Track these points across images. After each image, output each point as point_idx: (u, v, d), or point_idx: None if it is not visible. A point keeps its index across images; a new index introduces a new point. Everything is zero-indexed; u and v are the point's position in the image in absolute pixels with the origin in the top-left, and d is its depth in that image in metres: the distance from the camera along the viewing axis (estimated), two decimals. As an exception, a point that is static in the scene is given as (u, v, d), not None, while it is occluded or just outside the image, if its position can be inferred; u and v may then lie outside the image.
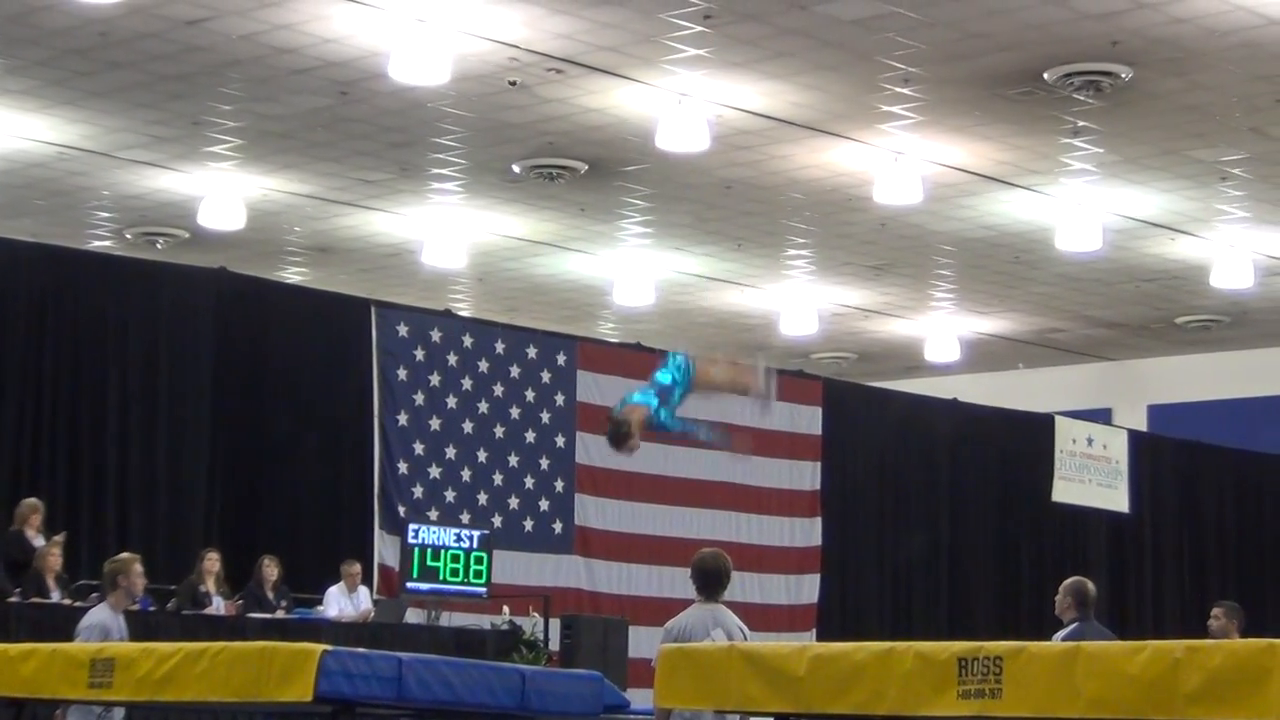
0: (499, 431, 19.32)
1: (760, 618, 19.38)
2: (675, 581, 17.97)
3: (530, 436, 19.57)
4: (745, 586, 19.83)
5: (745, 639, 9.28)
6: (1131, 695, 6.11)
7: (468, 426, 19.06)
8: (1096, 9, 15.27)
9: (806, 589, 21.78)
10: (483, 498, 19.07)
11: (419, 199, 21.35)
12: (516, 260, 23.98)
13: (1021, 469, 24.31)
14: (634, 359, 20.84)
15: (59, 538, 15.07)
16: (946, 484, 23.66)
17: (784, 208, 21.27)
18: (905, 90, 17.18)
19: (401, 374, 18.61)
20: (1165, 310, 25.75)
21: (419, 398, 18.69)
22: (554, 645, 17.46)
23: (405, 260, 23.67)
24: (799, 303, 25.72)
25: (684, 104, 17.39)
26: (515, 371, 19.55)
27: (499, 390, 19.38)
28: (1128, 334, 27.31)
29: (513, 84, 17.28)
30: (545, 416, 19.71)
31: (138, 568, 11.04)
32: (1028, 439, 24.38)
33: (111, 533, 16.47)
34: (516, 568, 18.98)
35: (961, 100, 17.44)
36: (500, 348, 19.55)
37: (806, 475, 21.93)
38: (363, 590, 17.19)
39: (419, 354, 18.78)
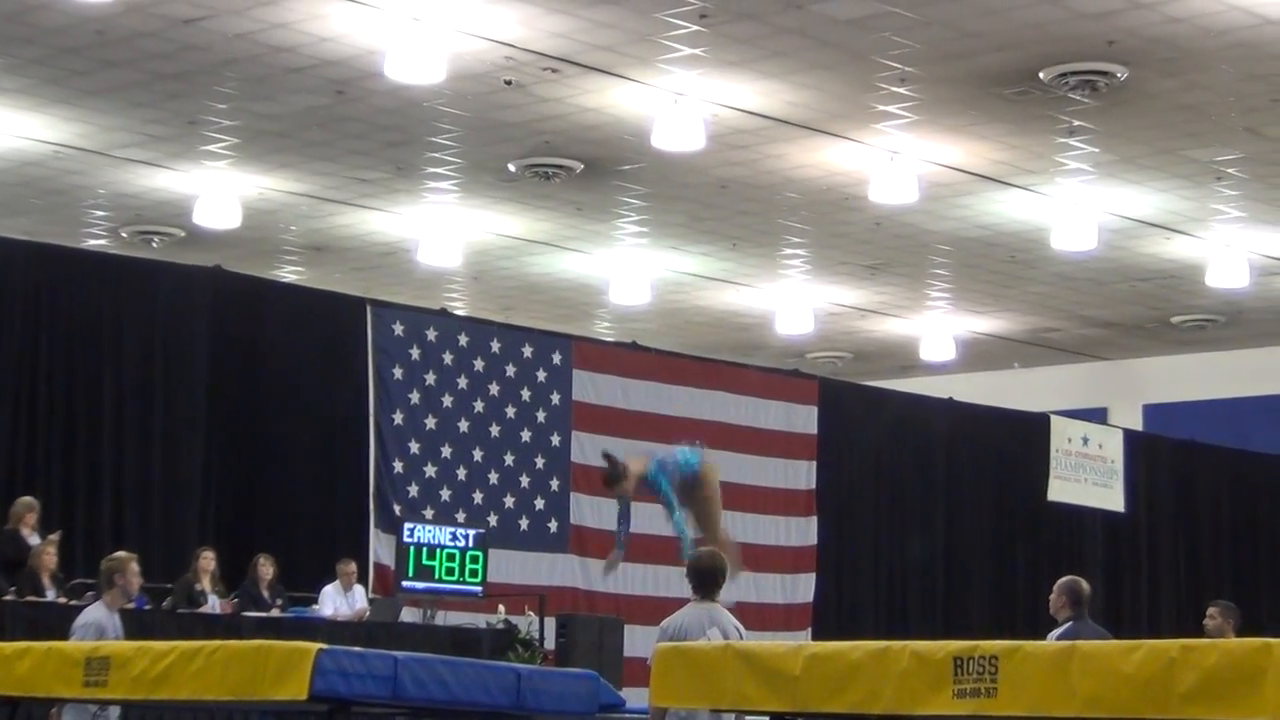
0: (494, 430, 19.31)
1: (756, 617, 19.35)
2: (671, 581, 17.94)
3: (526, 435, 19.55)
4: (741, 585, 19.77)
5: (741, 638, 9.28)
6: (1127, 694, 6.11)
7: (463, 425, 19.05)
8: (1092, 8, 15.27)
9: (802, 588, 21.77)
10: (478, 496, 19.06)
11: (414, 198, 21.35)
12: (512, 259, 23.98)
13: (1017, 468, 24.31)
14: (630, 358, 20.89)
15: (54, 536, 15.07)
16: (942, 483, 23.66)
17: (780, 207, 21.27)
18: (901, 90, 17.18)
19: (397, 373, 18.60)
20: (1161, 310, 25.77)
21: (414, 396, 18.68)
22: (549, 644, 17.45)
23: (401, 259, 23.66)
24: (795, 302, 25.72)
25: (680, 103, 17.39)
26: (511, 370, 19.54)
27: (494, 389, 19.36)
28: (1123, 333, 27.32)
29: (508, 83, 17.27)
30: (541, 415, 19.70)
31: (134, 566, 11.03)
32: (1023, 438, 24.38)
33: (107, 531, 16.47)
34: (512, 567, 18.97)
35: (957, 100, 17.45)
36: (496, 347, 19.54)
37: (802, 474, 21.91)
38: (358, 589, 17.18)
39: (414, 353, 18.77)
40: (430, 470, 18.72)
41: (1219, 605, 13.33)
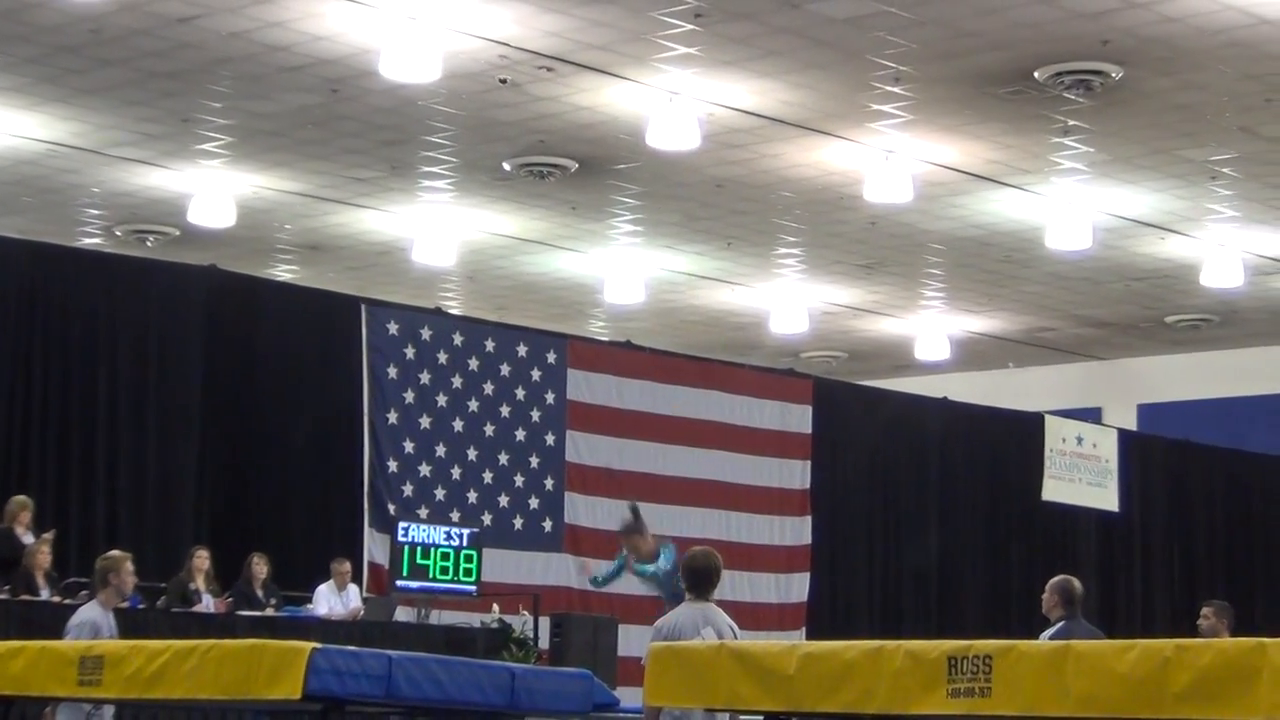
0: (489, 430, 19.30)
1: (750, 616, 19.38)
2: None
3: (520, 435, 19.55)
4: (735, 585, 19.81)
5: (735, 637, 9.28)
6: (1121, 694, 6.11)
7: (458, 425, 19.03)
8: (1087, 8, 15.28)
9: (796, 588, 21.77)
10: (472, 496, 19.05)
11: (409, 197, 21.34)
12: (507, 258, 23.97)
13: (1011, 468, 24.32)
14: (624, 357, 20.88)
15: (48, 535, 15.07)
16: (936, 483, 23.65)
17: (774, 206, 21.27)
18: (896, 89, 17.18)
19: (391, 372, 18.59)
20: (1155, 309, 25.78)
21: (409, 396, 18.67)
22: (544, 643, 17.46)
23: (395, 258, 23.65)
24: (789, 301, 25.72)
25: (675, 102, 17.38)
26: (505, 370, 19.54)
27: (489, 388, 19.36)
28: (1117, 333, 27.33)
29: (503, 82, 17.27)
30: (535, 415, 19.70)
31: (129, 566, 11.03)
32: (1018, 438, 24.38)
33: (101, 530, 16.46)
34: (506, 566, 18.95)
35: (952, 99, 17.45)
36: (490, 346, 19.53)
37: (796, 474, 21.91)
38: (352, 588, 17.17)
39: (409, 352, 18.75)
40: (425, 469, 18.71)
41: (1213, 605, 13.35)
